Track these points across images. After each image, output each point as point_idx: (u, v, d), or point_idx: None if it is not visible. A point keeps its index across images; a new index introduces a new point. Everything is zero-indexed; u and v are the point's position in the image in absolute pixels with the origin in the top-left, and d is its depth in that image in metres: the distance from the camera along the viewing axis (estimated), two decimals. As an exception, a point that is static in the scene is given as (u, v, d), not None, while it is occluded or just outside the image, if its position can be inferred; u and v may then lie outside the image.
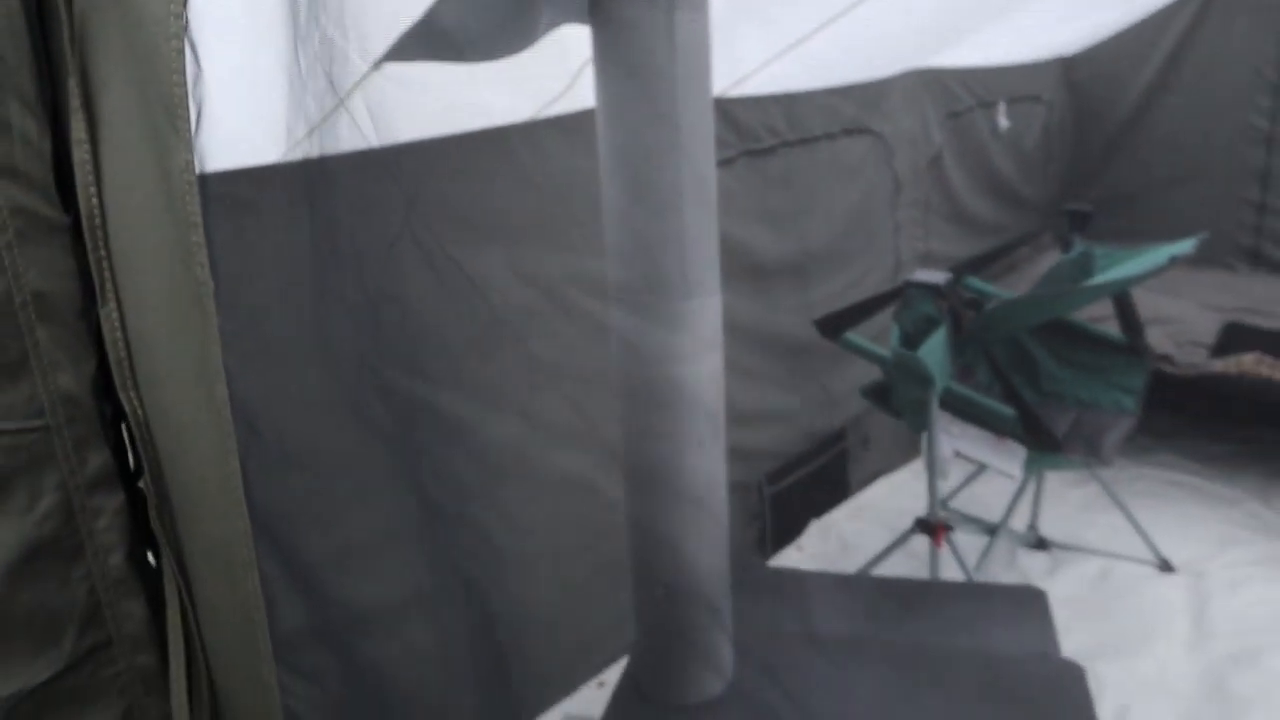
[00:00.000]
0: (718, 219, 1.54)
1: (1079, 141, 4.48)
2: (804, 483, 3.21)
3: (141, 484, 0.93)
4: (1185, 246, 2.48)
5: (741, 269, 2.74)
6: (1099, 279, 2.53)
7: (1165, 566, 3.04)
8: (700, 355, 1.51)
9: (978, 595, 2.08)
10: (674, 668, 1.70)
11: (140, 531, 0.95)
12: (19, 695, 0.89)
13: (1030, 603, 1.97)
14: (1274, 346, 3.26)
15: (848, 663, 1.79)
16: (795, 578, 2.12)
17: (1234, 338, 3.40)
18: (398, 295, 1.78)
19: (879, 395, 2.75)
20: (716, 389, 1.56)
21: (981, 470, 3.37)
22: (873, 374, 2.77)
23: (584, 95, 1.89)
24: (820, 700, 1.71)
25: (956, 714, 1.67)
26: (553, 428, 2.15)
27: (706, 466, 1.56)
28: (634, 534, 1.63)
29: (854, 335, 2.58)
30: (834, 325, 2.55)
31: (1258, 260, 4.07)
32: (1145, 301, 3.23)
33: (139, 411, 0.89)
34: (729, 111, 2.60)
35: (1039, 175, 4.26)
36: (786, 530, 3.18)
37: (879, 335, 2.79)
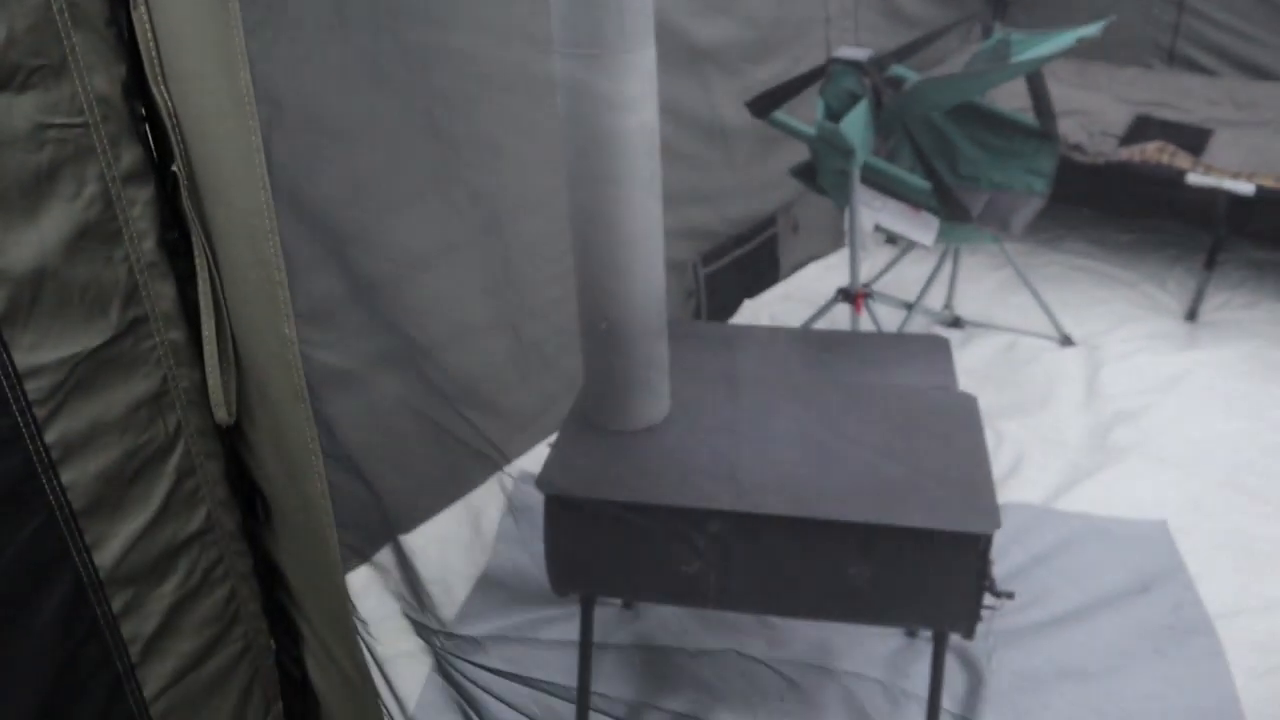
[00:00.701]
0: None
1: (1010, -64, 4.53)
2: (737, 264, 3.40)
3: (174, 168, 1.06)
4: (1092, 30, 2.61)
5: (675, 54, 2.83)
6: (1012, 60, 2.67)
7: (1066, 341, 3.31)
8: (638, 104, 1.65)
9: (888, 342, 2.31)
10: (616, 397, 1.90)
11: (168, 221, 1.09)
12: (79, 356, 1.06)
13: (934, 347, 2.19)
14: (1177, 137, 3.46)
15: (771, 393, 2.01)
16: (725, 330, 2.32)
17: (1142, 129, 3.59)
18: None
19: (806, 174, 2.91)
20: (652, 137, 1.70)
21: (902, 256, 3.59)
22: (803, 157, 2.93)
23: None
24: (749, 423, 1.93)
25: (866, 432, 1.91)
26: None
27: (643, 208, 1.72)
28: (580, 272, 1.80)
29: (782, 114, 2.71)
30: (764, 104, 2.67)
31: (1173, 58, 4.23)
32: (1063, 94, 3.39)
33: (169, 104, 1.02)
34: (663, -110, 2.63)
35: (970, -30, 4.33)
36: (720, 308, 3.39)
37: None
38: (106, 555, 1.17)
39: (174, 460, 1.18)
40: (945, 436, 1.91)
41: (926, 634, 2.24)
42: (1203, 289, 3.42)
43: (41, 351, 1.02)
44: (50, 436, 1.06)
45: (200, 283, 1.10)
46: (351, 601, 1.23)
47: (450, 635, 2.22)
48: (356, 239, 2.04)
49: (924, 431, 1.92)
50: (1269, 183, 3.17)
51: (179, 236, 1.11)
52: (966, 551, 1.70)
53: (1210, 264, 3.40)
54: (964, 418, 1.95)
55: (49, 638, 1.15)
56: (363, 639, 1.79)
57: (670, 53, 2.81)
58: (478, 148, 2.32)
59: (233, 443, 1.24)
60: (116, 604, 1.20)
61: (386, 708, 1.86)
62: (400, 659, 2.16)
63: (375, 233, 2.09)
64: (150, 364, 1.12)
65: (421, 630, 2.21)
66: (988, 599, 1.77)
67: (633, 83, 1.63)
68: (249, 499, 1.29)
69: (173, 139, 1.04)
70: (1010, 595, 1.79)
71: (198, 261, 1.10)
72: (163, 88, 1.02)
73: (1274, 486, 2.62)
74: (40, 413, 1.04)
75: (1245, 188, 3.19)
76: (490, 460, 2.57)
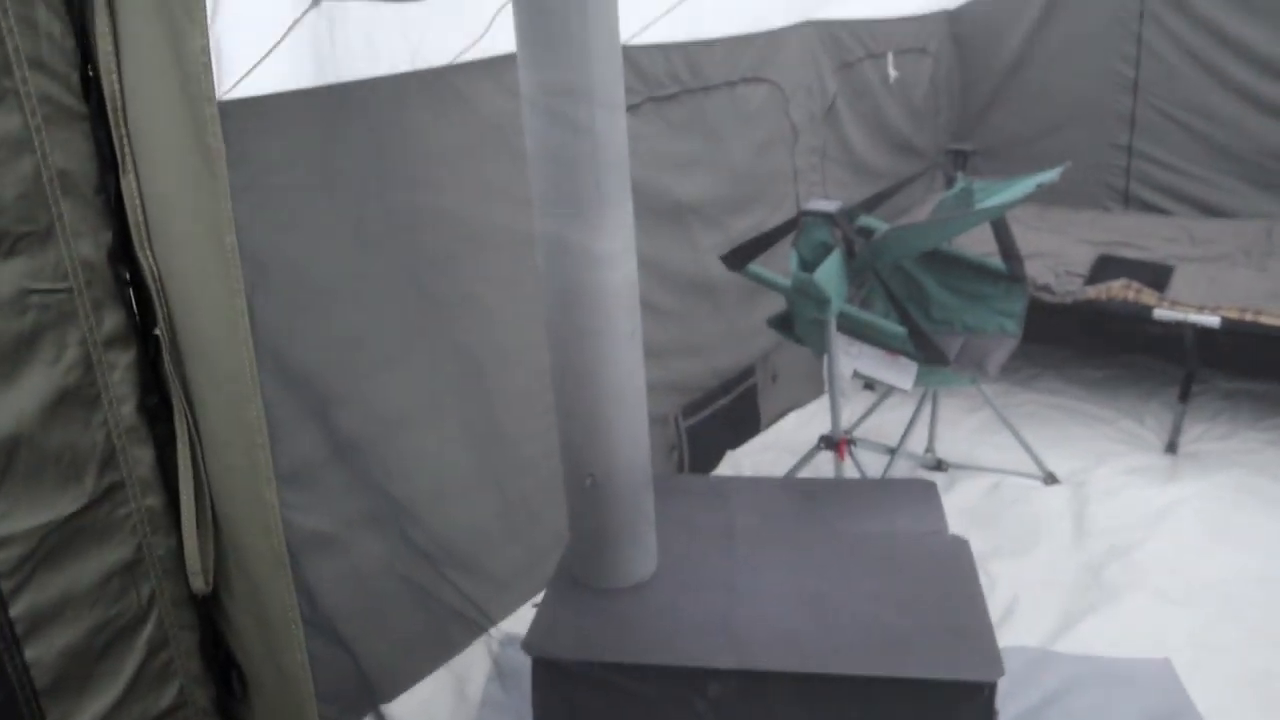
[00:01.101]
0: (627, 146, 1.70)
1: (964, 91, 4.74)
2: (718, 416, 3.39)
3: (157, 331, 1.05)
4: (1051, 175, 2.71)
5: (650, 210, 2.90)
6: (976, 207, 2.75)
7: (1050, 479, 3.30)
8: (617, 259, 1.67)
9: (876, 489, 2.29)
10: (603, 553, 1.86)
11: (148, 385, 1.07)
12: (52, 525, 1.02)
13: (922, 492, 2.18)
14: (1140, 274, 3.55)
15: (762, 545, 1.98)
16: (711, 482, 2.30)
17: (1105, 267, 3.68)
18: (401, 121, 2.06)
19: (784, 324, 2.94)
20: (632, 291, 1.73)
21: (881, 401, 3.61)
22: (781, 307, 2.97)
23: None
24: (741, 576, 1.89)
25: (861, 582, 1.87)
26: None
27: (626, 362, 1.73)
28: (563, 429, 1.79)
29: (757, 266, 2.76)
30: (739, 258, 2.72)
31: (1128, 200, 4.38)
32: (1026, 238, 3.48)
33: (154, 269, 1.02)
34: (634, 59, 2.75)
35: (929, 124, 4.51)
36: (703, 461, 3.37)
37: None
38: (71, 739, 1.10)
39: (146, 632, 1.12)
40: (940, 583, 1.87)
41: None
42: (1179, 422, 3.44)
43: (11, 520, 0.99)
44: (16, 610, 1.01)
45: (180, 447, 1.08)
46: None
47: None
48: (339, 399, 2.03)
49: (919, 578, 1.89)
50: (1233, 314, 3.24)
51: (159, 401, 1.10)
52: (971, 700, 1.64)
53: (1185, 396, 3.43)
54: (958, 562, 1.92)
55: (6, 833, 1.08)
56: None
57: (652, 209, 2.90)
58: (461, 305, 2.34)
59: (208, 612, 1.19)
60: (81, 793, 1.12)
61: None
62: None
63: (358, 392, 2.09)
64: (125, 531, 1.08)
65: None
66: (998, 751, 1.71)
67: (611, 239, 1.66)
68: (224, 672, 1.22)
69: (156, 303, 1.04)
70: (1020, 747, 1.73)
71: (178, 426, 1.07)
72: (149, 252, 1.03)
73: (1273, 618, 2.56)
74: (7, 585, 1.00)
75: (1211, 320, 3.25)
76: (475, 624, 2.49)
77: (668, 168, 2.99)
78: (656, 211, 2.96)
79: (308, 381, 1.91)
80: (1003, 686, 1.68)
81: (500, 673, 2.50)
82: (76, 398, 1.03)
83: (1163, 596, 2.70)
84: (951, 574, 1.89)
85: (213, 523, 1.11)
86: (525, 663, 1.78)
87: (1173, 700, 2.34)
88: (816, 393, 3.91)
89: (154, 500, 1.11)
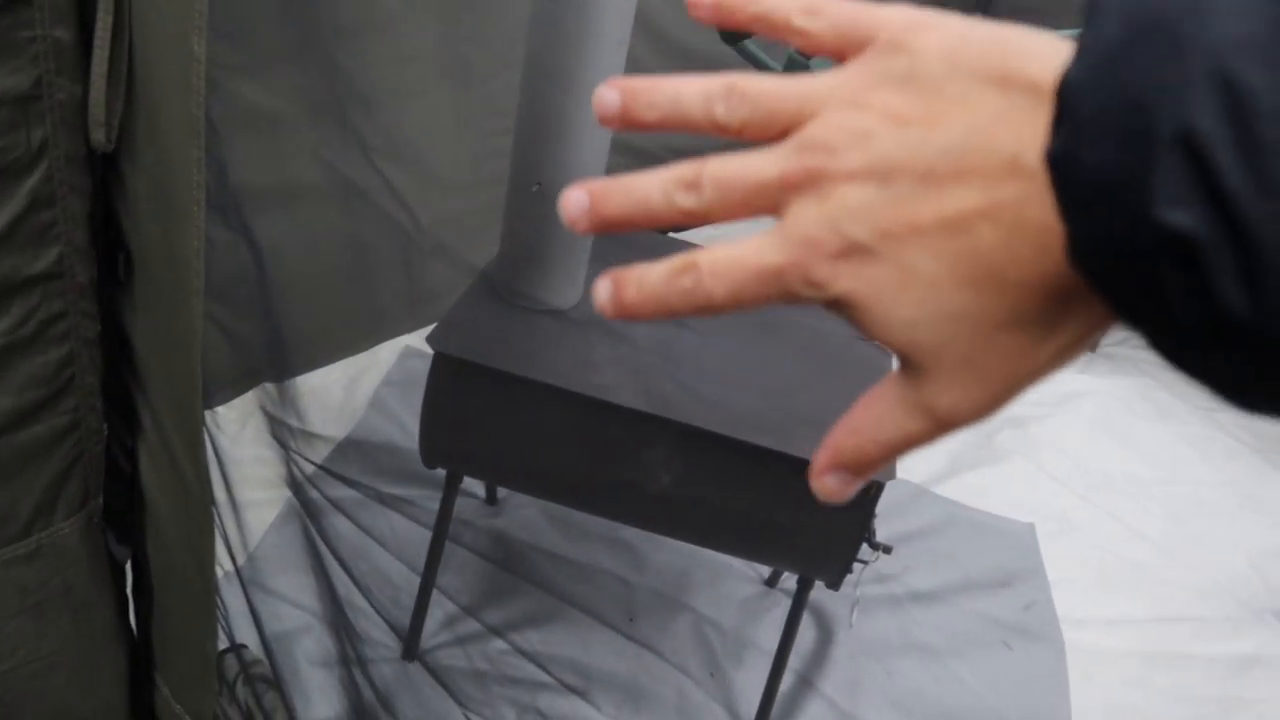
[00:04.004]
0: None
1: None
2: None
3: None
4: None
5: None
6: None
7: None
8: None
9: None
10: (531, 270, 1.78)
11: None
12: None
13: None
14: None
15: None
16: (662, 240, 2.23)
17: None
18: None
19: (762, 111, 2.81)
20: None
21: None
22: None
23: None
24: (660, 331, 1.84)
25: (785, 364, 1.85)
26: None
27: (606, 71, 1.60)
28: (521, 127, 1.67)
29: (754, 44, 2.60)
30: (737, 30, 2.56)
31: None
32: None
33: None
34: None
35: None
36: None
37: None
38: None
39: (32, 182, 0.99)
40: (855, 382, 1.85)
41: (785, 586, 2.20)
42: (1106, 322, 3.48)
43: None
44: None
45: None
46: (204, 396, 1.07)
47: (312, 485, 2.09)
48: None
49: (835, 374, 1.86)
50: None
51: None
52: (855, 495, 1.65)
53: (1119, 301, 3.46)
54: (876, 368, 1.90)
55: None
56: (216, 452, 1.64)
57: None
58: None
59: (105, 181, 1.07)
60: (-74, 337, 1.02)
61: (227, 542, 1.72)
62: (247, 506, 2.02)
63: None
64: (25, 59, 0.93)
65: (284, 476, 2.07)
66: (864, 552, 1.73)
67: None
68: (110, 253, 1.11)
69: None
70: (888, 549, 1.75)
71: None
72: None
73: (1136, 513, 2.67)
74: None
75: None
76: (385, 321, 2.43)
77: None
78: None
79: None
80: (876, 511, 1.69)
81: (394, 380, 2.46)
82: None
83: (1043, 470, 2.78)
84: (868, 377, 1.86)
85: (128, 73, 0.97)
86: (420, 376, 1.72)
87: (1026, 561, 2.43)
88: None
89: (64, 33, 0.93)
